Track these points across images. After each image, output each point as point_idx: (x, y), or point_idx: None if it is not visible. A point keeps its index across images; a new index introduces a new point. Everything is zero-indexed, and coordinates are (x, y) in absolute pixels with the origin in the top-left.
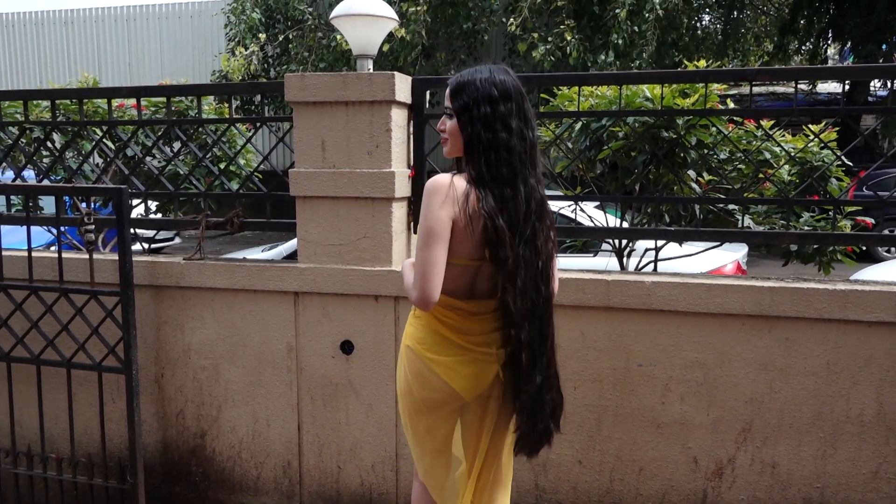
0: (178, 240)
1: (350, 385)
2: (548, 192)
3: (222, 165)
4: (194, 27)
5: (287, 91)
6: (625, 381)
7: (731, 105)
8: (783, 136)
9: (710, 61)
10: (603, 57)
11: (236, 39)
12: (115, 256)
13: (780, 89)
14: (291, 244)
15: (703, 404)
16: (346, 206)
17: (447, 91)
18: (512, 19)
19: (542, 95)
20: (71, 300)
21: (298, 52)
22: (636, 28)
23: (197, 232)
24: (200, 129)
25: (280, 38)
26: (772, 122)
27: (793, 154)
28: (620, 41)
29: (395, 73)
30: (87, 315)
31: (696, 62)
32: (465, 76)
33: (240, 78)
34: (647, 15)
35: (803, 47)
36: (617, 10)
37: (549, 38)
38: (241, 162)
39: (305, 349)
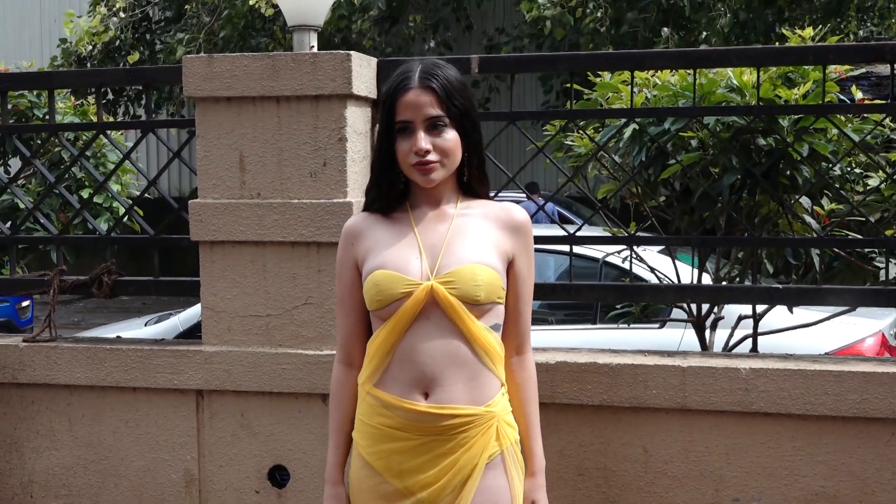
0: None
1: None
2: (588, 232)
3: (86, 194)
4: None
5: (187, 80)
6: None
7: (859, 95)
8: None
9: (823, 29)
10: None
11: None
12: None
13: None
14: (192, 314)
15: None
16: (278, 255)
17: (437, 93)
18: None
19: (573, 86)
20: None
21: (195, 17)
22: None
23: (46, 297)
24: (53, 139)
25: None
26: None
27: None
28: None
29: (353, 52)
30: None
31: (797, 31)
32: (450, 73)
33: (91, 49)
34: None
35: None
36: None
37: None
38: (116, 189)
39: (214, 480)
